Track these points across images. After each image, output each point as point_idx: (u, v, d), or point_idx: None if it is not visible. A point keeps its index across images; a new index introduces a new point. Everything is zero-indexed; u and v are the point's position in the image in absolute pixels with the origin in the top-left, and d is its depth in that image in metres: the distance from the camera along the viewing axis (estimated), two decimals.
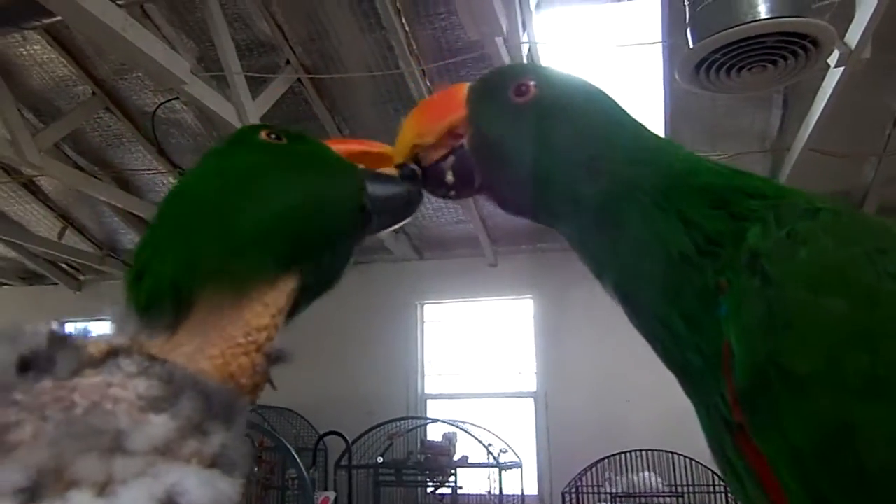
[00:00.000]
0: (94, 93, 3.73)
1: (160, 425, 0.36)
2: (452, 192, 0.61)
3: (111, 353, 0.40)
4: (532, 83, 0.59)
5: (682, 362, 0.53)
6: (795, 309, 0.44)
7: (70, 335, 0.42)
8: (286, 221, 0.50)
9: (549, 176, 0.57)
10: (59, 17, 2.49)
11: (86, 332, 0.44)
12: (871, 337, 0.42)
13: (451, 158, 0.60)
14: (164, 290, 0.46)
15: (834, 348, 0.43)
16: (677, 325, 0.52)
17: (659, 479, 3.95)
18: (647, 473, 3.98)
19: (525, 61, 2.92)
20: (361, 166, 0.59)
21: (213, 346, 0.45)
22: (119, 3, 2.43)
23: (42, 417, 0.34)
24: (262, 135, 0.56)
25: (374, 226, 0.58)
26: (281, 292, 0.49)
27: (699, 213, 0.52)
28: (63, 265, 5.47)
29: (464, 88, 0.62)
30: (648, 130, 0.60)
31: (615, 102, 0.61)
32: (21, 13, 2.62)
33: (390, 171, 0.61)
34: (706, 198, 0.53)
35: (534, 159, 0.57)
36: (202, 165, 0.55)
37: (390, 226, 0.61)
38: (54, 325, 0.42)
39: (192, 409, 0.38)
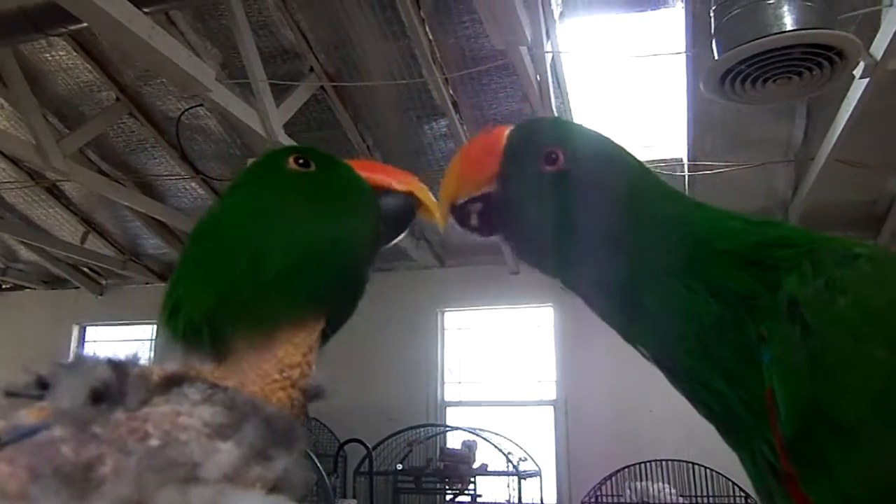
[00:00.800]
0: (118, 98, 3.76)
1: (227, 452, 0.37)
2: (475, 233, 0.64)
3: (174, 381, 0.41)
4: (562, 153, 0.60)
5: (725, 417, 0.53)
6: (837, 357, 0.44)
7: (128, 362, 0.42)
8: (314, 264, 0.50)
9: (569, 247, 0.59)
10: (84, 24, 2.51)
11: (135, 359, 0.44)
12: None
13: (479, 205, 0.63)
14: (199, 327, 0.46)
15: (879, 395, 0.43)
16: (718, 385, 0.52)
17: (674, 490, 3.93)
18: (661, 484, 3.96)
19: (549, 71, 2.92)
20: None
21: (252, 381, 0.45)
22: (145, 10, 2.44)
23: (121, 450, 0.35)
24: (291, 163, 0.55)
25: (382, 242, 0.60)
26: (311, 331, 0.50)
27: (726, 277, 0.52)
28: (85, 269, 5.53)
29: (502, 139, 0.63)
30: (670, 192, 0.60)
31: (639, 167, 0.61)
32: (47, 19, 2.65)
33: (382, 179, 0.61)
34: (730, 261, 0.53)
35: (555, 229, 0.59)
36: (232, 198, 0.55)
37: (393, 239, 0.63)
38: (112, 355, 0.43)
39: (256, 435, 0.39)
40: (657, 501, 3.86)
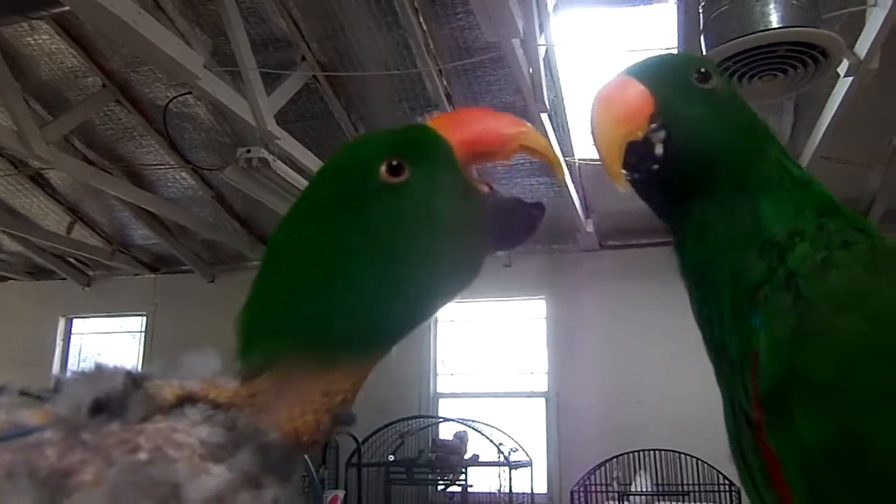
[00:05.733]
0: (104, 85, 3.68)
1: (217, 475, 0.36)
2: (657, 167, 0.60)
3: (184, 400, 0.41)
4: (713, 73, 0.64)
5: (719, 348, 0.58)
6: (818, 323, 0.49)
7: (147, 376, 0.42)
8: (402, 311, 0.47)
9: (734, 152, 0.61)
10: (66, 7, 2.44)
11: (157, 373, 0.43)
12: (884, 354, 0.47)
13: (661, 133, 0.59)
14: (258, 350, 0.45)
15: (848, 361, 0.47)
16: (726, 311, 0.57)
17: (648, 479, 4.03)
18: (641, 472, 4.06)
19: (542, 64, 2.91)
20: (484, 186, 0.51)
21: (286, 402, 0.44)
22: None
23: (105, 460, 0.35)
24: (384, 172, 0.47)
25: (487, 253, 0.51)
26: (372, 362, 0.48)
27: (810, 213, 0.59)
28: (72, 260, 5.44)
29: (634, 81, 0.61)
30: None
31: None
32: (28, 2, 2.57)
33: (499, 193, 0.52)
34: (814, 202, 0.60)
35: (724, 137, 0.62)
36: (316, 220, 0.47)
37: (505, 249, 0.55)
38: (132, 368, 0.42)
39: (250, 462, 0.38)
40: (634, 490, 3.98)
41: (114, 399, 0.38)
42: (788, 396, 0.49)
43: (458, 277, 0.48)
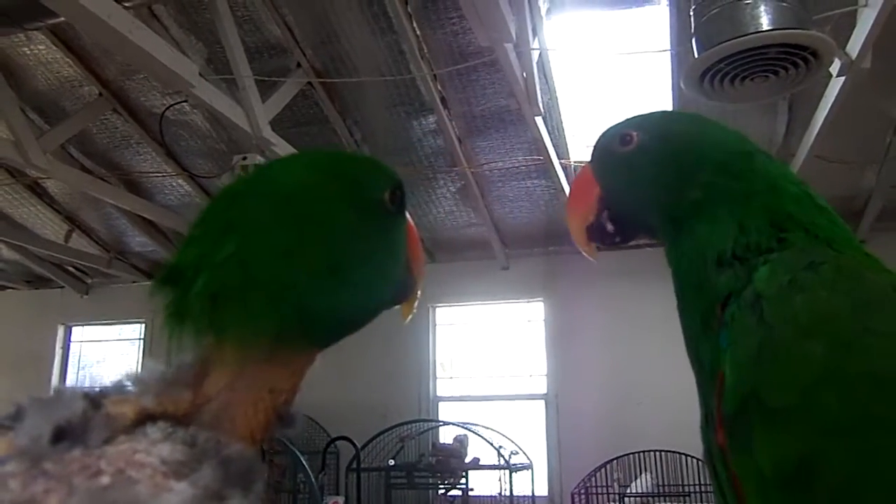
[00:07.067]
0: (100, 93, 3.69)
1: (180, 492, 0.37)
2: (617, 238, 0.72)
3: (146, 418, 0.41)
4: (634, 133, 0.70)
5: (695, 360, 0.61)
6: (779, 348, 0.49)
7: (106, 394, 0.42)
8: (366, 310, 0.51)
9: (659, 197, 0.67)
10: (62, 18, 2.45)
11: (118, 388, 0.44)
12: (842, 383, 0.47)
13: (605, 213, 0.72)
14: (205, 345, 0.45)
15: (807, 388, 0.47)
16: (697, 325, 0.60)
17: (649, 480, 4.04)
18: (644, 475, 4.07)
19: (535, 67, 2.92)
20: None
21: (241, 404, 0.45)
22: (126, 4, 2.39)
23: (68, 487, 0.35)
24: (387, 198, 0.52)
25: None
26: (311, 360, 0.49)
27: (756, 224, 0.59)
28: (70, 268, 5.44)
29: (587, 171, 0.74)
30: (741, 144, 0.67)
31: (711, 123, 0.70)
32: (24, 13, 2.58)
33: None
34: (768, 215, 0.60)
35: (642, 190, 0.69)
36: (327, 209, 0.49)
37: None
38: (92, 389, 0.42)
39: (212, 476, 0.39)
40: (634, 491, 3.99)
41: (75, 425, 0.39)
42: (750, 421, 0.49)
43: (400, 296, 0.56)
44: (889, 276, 0.55)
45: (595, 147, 0.74)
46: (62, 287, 5.49)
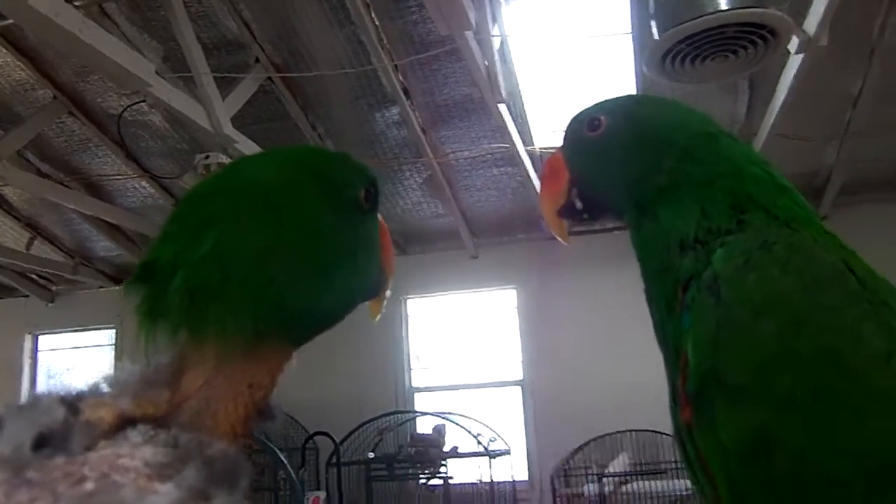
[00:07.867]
0: (55, 97, 3.60)
1: (165, 494, 0.37)
2: (586, 216, 0.75)
3: (125, 422, 0.41)
4: (602, 118, 0.71)
5: (662, 342, 0.63)
6: (736, 327, 0.51)
7: (85, 398, 0.42)
8: (344, 307, 0.52)
9: (626, 182, 0.69)
10: (10, 20, 2.38)
11: (94, 392, 0.43)
12: (794, 360, 0.49)
13: (574, 190, 0.74)
14: (182, 340, 0.44)
15: (762, 365, 0.50)
16: (661, 307, 0.62)
17: (627, 460, 4.13)
18: (621, 455, 4.17)
19: (497, 55, 2.92)
20: None
21: (221, 400, 0.45)
22: (76, 3, 2.33)
23: (52, 495, 0.35)
24: (362, 196, 0.53)
25: None
26: (288, 356, 0.49)
27: (718, 208, 0.61)
28: (33, 276, 5.31)
29: (558, 156, 0.76)
30: (705, 126, 0.68)
31: (677, 107, 0.73)
32: None
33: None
34: (730, 198, 0.62)
35: (608, 174, 0.71)
36: (305, 206, 0.49)
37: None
38: (68, 393, 0.42)
39: (196, 476, 0.38)
40: (612, 470, 4.08)
41: (56, 432, 0.38)
42: (711, 399, 0.51)
43: (371, 292, 0.57)
44: (842, 251, 0.57)
45: (566, 131, 0.76)
46: (27, 296, 5.36)
